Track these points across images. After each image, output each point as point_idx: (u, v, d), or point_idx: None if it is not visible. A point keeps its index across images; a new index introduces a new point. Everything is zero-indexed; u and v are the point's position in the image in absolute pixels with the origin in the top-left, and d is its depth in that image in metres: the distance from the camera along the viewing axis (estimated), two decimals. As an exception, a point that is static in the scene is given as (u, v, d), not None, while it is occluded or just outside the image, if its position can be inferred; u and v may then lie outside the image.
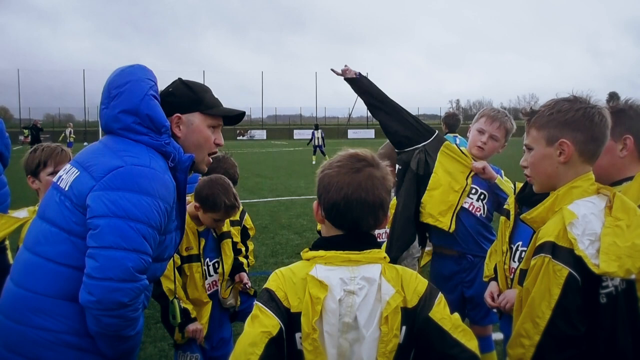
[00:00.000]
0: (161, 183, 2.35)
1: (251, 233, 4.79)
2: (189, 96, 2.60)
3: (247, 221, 4.72)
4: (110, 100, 2.46)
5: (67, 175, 2.42)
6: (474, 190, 4.09)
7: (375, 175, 1.97)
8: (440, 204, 4.06)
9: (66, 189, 2.35)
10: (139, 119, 2.42)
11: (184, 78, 2.72)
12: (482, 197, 4.08)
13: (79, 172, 2.37)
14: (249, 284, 4.09)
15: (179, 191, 2.51)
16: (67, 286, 2.26)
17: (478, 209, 4.08)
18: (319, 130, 31.49)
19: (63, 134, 39.34)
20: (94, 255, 2.19)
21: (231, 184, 3.80)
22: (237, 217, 4.45)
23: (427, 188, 4.09)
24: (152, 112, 2.43)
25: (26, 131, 38.53)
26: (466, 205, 4.09)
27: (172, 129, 2.54)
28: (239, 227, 4.55)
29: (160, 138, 2.45)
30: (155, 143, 2.44)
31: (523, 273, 2.18)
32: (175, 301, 3.51)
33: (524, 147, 2.23)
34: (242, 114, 2.78)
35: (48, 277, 2.28)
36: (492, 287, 3.45)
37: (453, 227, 4.03)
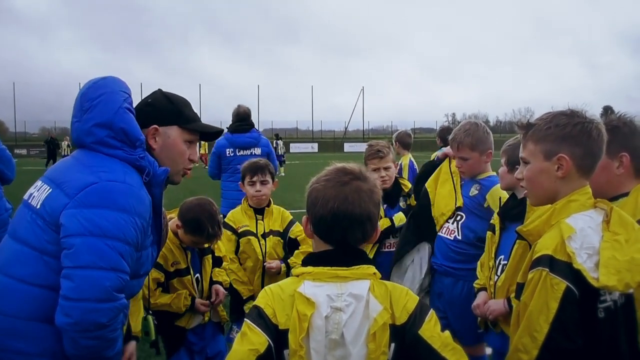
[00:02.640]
0: (137, 199, 2.28)
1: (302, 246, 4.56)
2: (168, 108, 2.55)
3: (294, 232, 4.61)
4: (82, 114, 2.39)
5: (38, 192, 2.34)
6: (451, 214, 4.10)
7: (363, 188, 1.95)
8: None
9: (38, 207, 2.28)
10: (112, 133, 2.35)
11: (164, 90, 2.66)
12: (458, 217, 4.06)
13: (50, 189, 2.29)
14: (220, 297, 3.96)
15: (154, 205, 2.45)
16: (40, 307, 2.18)
17: (452, 232, 4.06)
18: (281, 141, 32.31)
19: (60, 148, 38.56)
20: (70, 276, 2.11)
21: (218, 211, 3.78)
22: (281, 228, 4.55)
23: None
24: (126, 125, 2.36)
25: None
26: (442, 232, 4.12)
27: (147, 141, 2.48)
28: (281, 239, 4.54)
29: (134, 152, 2.37)
30: (129, 157, 2.36)
31: (520, 286, 2.17)
32: (150, 317, 3.47)
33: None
34: (220, 131, 2.76)
35: (20, 299, 2.19)
36: (482, 297, 3.46)
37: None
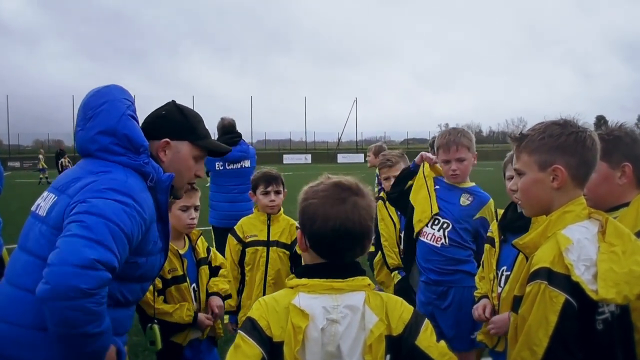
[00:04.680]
0: (137, 195, 2.30)
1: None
2: (181, 123, 2.58)
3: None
4: (86, 122, 2.42)
5: (44, 202, 2.37)
6: (436, 221, 4.11)
7: (361, 204, 1.96)
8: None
9: (44, 215, 2.31)
10: (116, 140, 2.38)
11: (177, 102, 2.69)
12: (444, 225, 4.07)
13: (56, 197, 2.32)
14: (215, 311, 3.88)
15: (160, 212, 2.47)
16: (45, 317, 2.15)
17: (439, 239, 4.08)
18: None
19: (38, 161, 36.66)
20: (57, 245, 2.08)
21: None
22: (288, 241, 4.54)
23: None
24: (129, 132, 2.39)
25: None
26: (426, 238, 4.13)
27: (157, 153, 2.51)
28: (287, 251, 4.56)
29: (138, 158, 2.40)
30: (133, 163, 2.39)
31: (517, 300, 2.14)
32: (155, 327, 3.44)
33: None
34: (228, 152, 2.83)
35: (25, 308, 2.19)
36: (484, 302, 3.45)
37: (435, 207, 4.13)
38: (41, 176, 33.02)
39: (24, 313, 2.20)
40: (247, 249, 4.51)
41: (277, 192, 4.49)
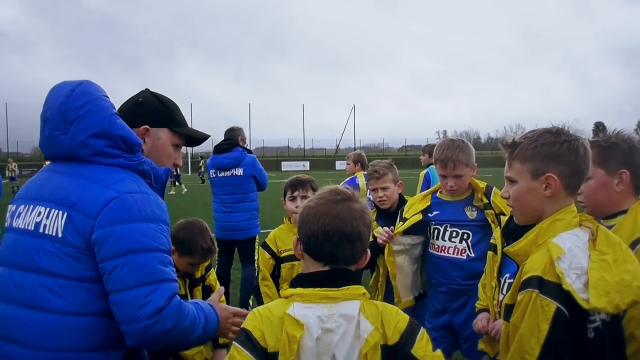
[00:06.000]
0: (157, 206, 2.25)
1: None
2: (160, 110, 2.55)
3: None
4: (68, 125, 2.25)
5: (49, 220, 2.19)
6: (454, 234, 4.01)
7: (354, 207, 1.97)
8: None
9: (60, 235, 2.14)
10: (110, 142, 2.27)
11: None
12: (465, 236, 3.98)
13: (64, 213, 2.16)
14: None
15: None
16: (92, 336, 2.13)
17: (463, 251, 3.97)
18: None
19: (7, 169, 35.60)
20: (119, 301, 2.07)
21: (208, 228, 3.70)
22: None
23: None
24: (123, 132, 2.29)
25: None
26: (445, 252, 4.03)
27: None
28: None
29: (134, 157, 2.32)
30: (131, 164, 2.31)
31: (509, 308, 2.14)
32: None
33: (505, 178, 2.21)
34: (207, 137, 2.77)
35: (70, 331, 2.11)
36: (484, 315, 3.44)
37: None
38: (12, 185, 32.43)
39: (67, 336, 2.11)
40: (282, 265, 4.28)
41: (304, 198, 4.20)
